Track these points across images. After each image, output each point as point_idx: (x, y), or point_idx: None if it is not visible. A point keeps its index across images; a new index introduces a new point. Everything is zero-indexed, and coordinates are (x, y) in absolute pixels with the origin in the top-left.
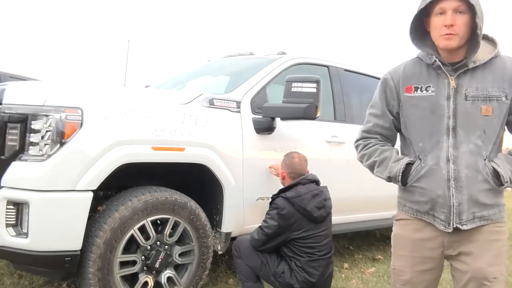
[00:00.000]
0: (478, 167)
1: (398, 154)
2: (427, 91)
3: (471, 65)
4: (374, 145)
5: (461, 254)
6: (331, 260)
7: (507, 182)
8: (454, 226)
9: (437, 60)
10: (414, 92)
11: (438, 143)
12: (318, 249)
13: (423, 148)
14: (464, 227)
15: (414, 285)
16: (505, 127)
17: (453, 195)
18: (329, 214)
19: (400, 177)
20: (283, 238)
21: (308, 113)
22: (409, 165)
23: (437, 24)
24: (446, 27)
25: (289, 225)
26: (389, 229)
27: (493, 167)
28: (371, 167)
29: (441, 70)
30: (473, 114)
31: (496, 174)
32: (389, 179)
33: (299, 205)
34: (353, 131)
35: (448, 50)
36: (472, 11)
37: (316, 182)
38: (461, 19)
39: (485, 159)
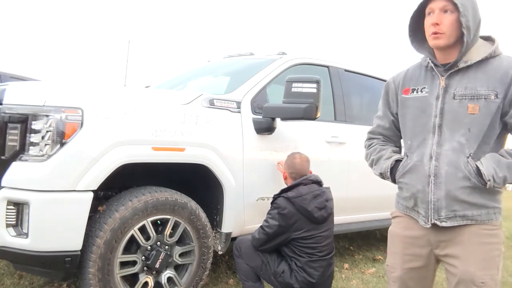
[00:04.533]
0: (459, 164)
1: (393, 153)
2: (422, 92)
3: (461, 65)
4: (375, 145)
5: (449, 256)
6: (332, 261)
7: (489, 180)
8: (432, 221)
9: (430, 61)
10: (410, 93)
11: (424, 140)
12: (319, 250)
13: (411, 145)
14: (443, 224)
15: (404, 282)
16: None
17: (431, 191)
18: (330, 215)
19: (388, 173)
20: (284, 238)
21: (308, 113)
22: (398, 162)
23: (426, 24)
24: (433, 26)
25: (290, 225)
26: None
27: (476, 165)
28: (371, 166)
29: (434, 72)
30: (459, 113)
31: (479, 173)
32: (381, 175)
33: (300, 205)
34: (354, 131)
35: (441, 51)
36: (459, 10)
37: (319, 182)
38: (448, 18)
39: (468, 157)
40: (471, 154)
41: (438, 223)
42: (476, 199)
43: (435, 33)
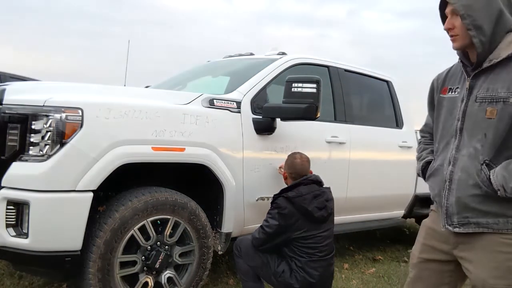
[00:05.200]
0: (472, 171)
1: (429, 154)
2: (455, 92)
3: (485, 65)
4: (421, 144)
5: (464, 259)
6: (332, 261)
7: (499, 190)
8: (446, 226)
9: (460, 61)
10: (447, 93)
11: (447, 144)
12: (319, 250)
13: (438, 148)
14: (456, 230)
15: (419, 271)
16: None
17: (445, 196)
18: (330, 215)
19: (421, 173)
20: (284, 238)
21: (308, 113)
22: (429, 163)
23: None
24: (448, 30)
25: (290, 225)
26: (389, 230)
27: (489, 173)
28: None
29: (464, 71)
30: (478, 117)
31: (491, 181)
32: (418, 175)
33: (300, 205)
34: (354, 131)
35: (470, 50)
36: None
37: (319, 182)
38: (458, 20)
39: (482, 164)
40: (486, 161)
41: (450, 228)
42: (491, 208)
43: (451, 36)
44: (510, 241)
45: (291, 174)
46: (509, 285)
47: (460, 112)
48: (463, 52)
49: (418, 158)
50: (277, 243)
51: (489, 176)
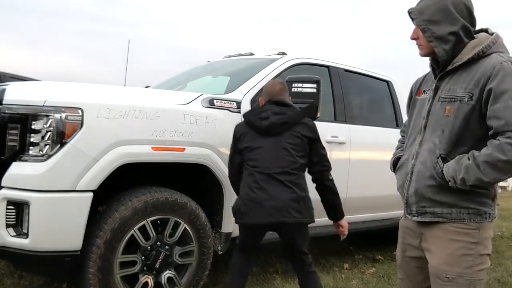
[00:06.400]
0: (429, 164)
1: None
2: (426, 94)
3: (449, 67)
4: (398, 143)
5: (426, 251)
6: (283, 179)
7: (449, 181)
8: (406, 215)
9: (430, 65)
10: (421, 95)
11: (414, 140)
12: (259, 161)
13: (406, 144)
14: (414, 218)
15: (404, 271)
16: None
17: (406, 187)
18: (276, 126)
19: (392, 168)
20: (238, 155)
21: (308, 114)
22: (399, 159)
23: None
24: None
25: (237, 138)
26: (389, 229)
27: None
28: None
29: (433, 74)
30: (439, 115)
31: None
32: (391, 170)
33: (246, 118)
34: (354, 131)
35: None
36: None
37: (281, 103)
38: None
39: (438, 158)
40: (442, 155)
41: (409, 217)
42: (445, 198)
43: (417, 44)
44: (462, 230)
45: (265, 99)
46: (460, 273)
47: (426, 111)
48: (433, 57)
49: (393, 155)
50: (237, 163)
51: (443, 168)
